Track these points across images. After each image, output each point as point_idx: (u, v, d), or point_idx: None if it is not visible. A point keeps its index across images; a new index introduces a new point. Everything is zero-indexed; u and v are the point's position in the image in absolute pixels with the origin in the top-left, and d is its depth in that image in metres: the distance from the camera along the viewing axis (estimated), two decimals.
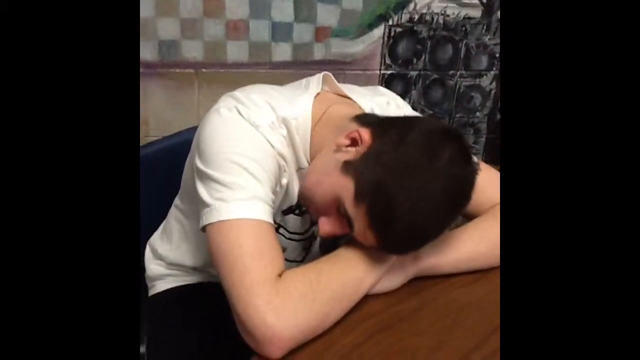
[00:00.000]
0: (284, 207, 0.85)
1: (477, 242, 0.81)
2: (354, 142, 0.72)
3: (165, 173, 0.99)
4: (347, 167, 0.71)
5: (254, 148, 0.74)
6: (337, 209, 0.72)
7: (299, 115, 0.80)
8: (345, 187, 0.70)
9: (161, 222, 1.04)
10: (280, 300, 0.64)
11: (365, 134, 0.71)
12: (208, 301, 0.89)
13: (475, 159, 0.74)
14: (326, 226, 0.76)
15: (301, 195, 0.82)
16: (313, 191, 0.77)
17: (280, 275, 0.67)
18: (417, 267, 0.77)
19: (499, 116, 1.83)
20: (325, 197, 0.74)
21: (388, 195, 0.66)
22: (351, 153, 0.72)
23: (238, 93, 0.78)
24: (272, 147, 0.75)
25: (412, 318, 0.72)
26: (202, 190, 0.73)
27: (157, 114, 1.57)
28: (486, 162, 0.88)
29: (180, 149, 0.92)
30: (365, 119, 0.77)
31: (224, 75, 1.57)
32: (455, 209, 0.70)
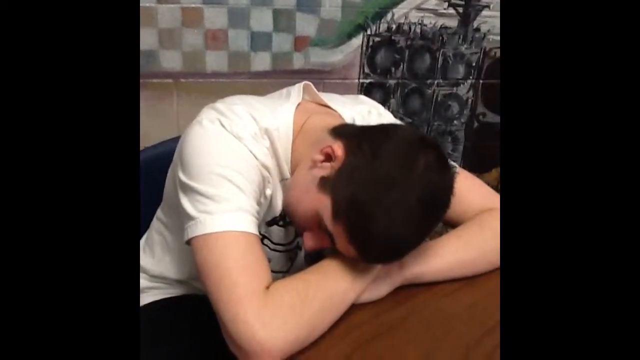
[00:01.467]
0: (268, 219, 0.84)
1: (462, 249, 0.81)
2: (328, 158, 0.72)
3: (147, 184, 0.97)
4: (324, 183, 0.71)
5: (237, 160, 0.73)
6: (318, 224, 0.72)
7: (280, 125, 0.79)
8: (323, 204, 0.70)
9: (143, 234, 1.02)
10: (269, 312, 0.64)
11: (339, 149, 0.71)
12: (193, 314, 0.89)
13: (454, 165, 0.74)
14: (310, 241, 0.76)
15: (285, 208, 0.82)
16: (294, 207, 0.77)
17: (267, 287, 0.67)
18: (402, 276, 0.77)
19: (476, 124, 1.86)
20: (306, 214, 0.74)
21: (364, 211, 0.66)
22: (327, 169, 0.72)
23: (219, 105, 0.78)
24: (256, 158, 0.75)
25: (400, 327, 0.72)
26: (186, 203, 0.72)
27: None
28: (464, 168, 0.88)
29: (161, 160, 0.91)
30: (342, 131, 0.77)
31: (203, 85, 1.56)
32: (433, 218, 0.70)
